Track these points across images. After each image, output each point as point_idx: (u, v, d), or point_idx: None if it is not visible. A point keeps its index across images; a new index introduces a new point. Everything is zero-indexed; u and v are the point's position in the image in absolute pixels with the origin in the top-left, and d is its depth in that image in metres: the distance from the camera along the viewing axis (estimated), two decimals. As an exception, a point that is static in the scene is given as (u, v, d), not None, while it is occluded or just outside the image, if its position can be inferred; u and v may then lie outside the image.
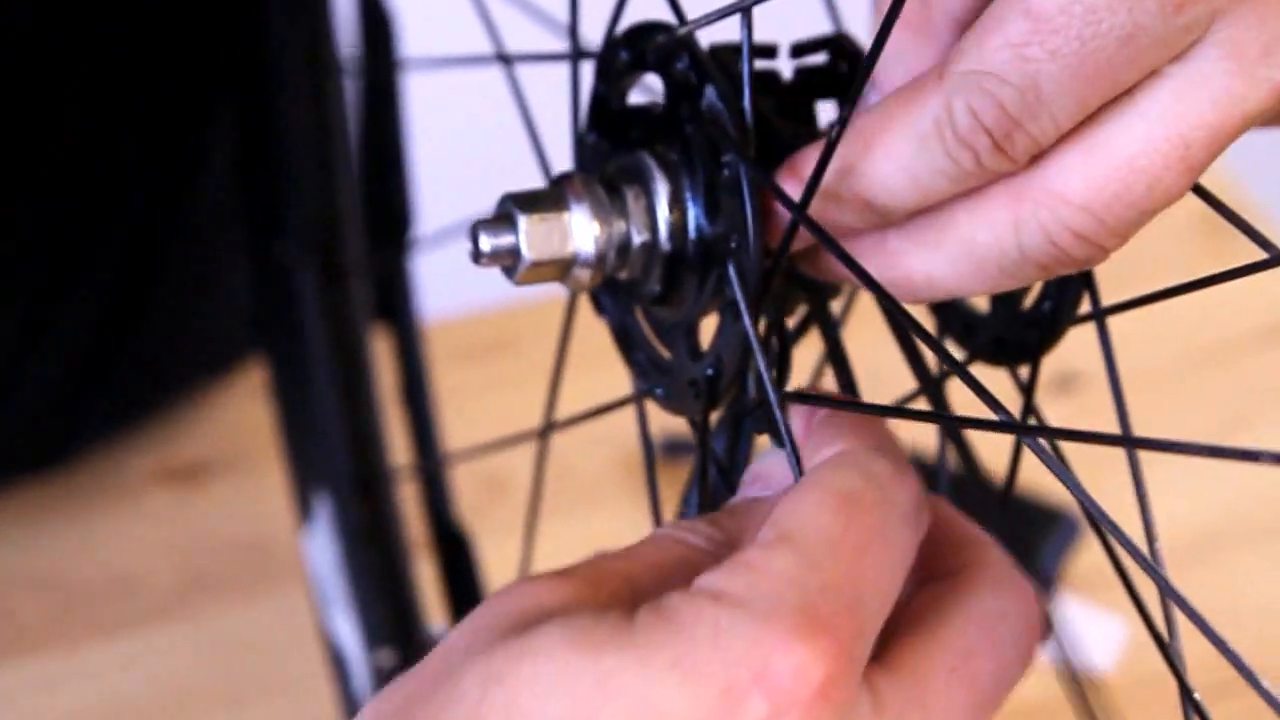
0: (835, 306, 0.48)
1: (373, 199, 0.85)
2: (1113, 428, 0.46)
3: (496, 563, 0.79)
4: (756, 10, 0.42)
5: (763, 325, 0.46)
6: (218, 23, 0.85)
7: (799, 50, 0.46)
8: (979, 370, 0.49)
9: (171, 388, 0.98)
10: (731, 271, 0.42)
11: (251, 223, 0.86)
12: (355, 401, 0.86)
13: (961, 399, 0.54)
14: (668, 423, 0.51)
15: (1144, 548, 0.45)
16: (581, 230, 0.43)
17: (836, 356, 0.47)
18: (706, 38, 0.44)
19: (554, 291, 0.47)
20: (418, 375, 0.88)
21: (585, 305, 0.50)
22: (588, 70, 0.47)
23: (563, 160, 0.48)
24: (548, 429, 0.57)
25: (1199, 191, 0.40)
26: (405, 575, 0.85)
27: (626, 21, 0.46)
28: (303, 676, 0.87)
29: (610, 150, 0.46)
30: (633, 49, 0.45)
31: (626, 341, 0.48)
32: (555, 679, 0.35)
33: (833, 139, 0.40)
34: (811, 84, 0.46)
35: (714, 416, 0.46)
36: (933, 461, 0.53)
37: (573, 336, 0.53)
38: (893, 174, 0.39)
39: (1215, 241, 1.03)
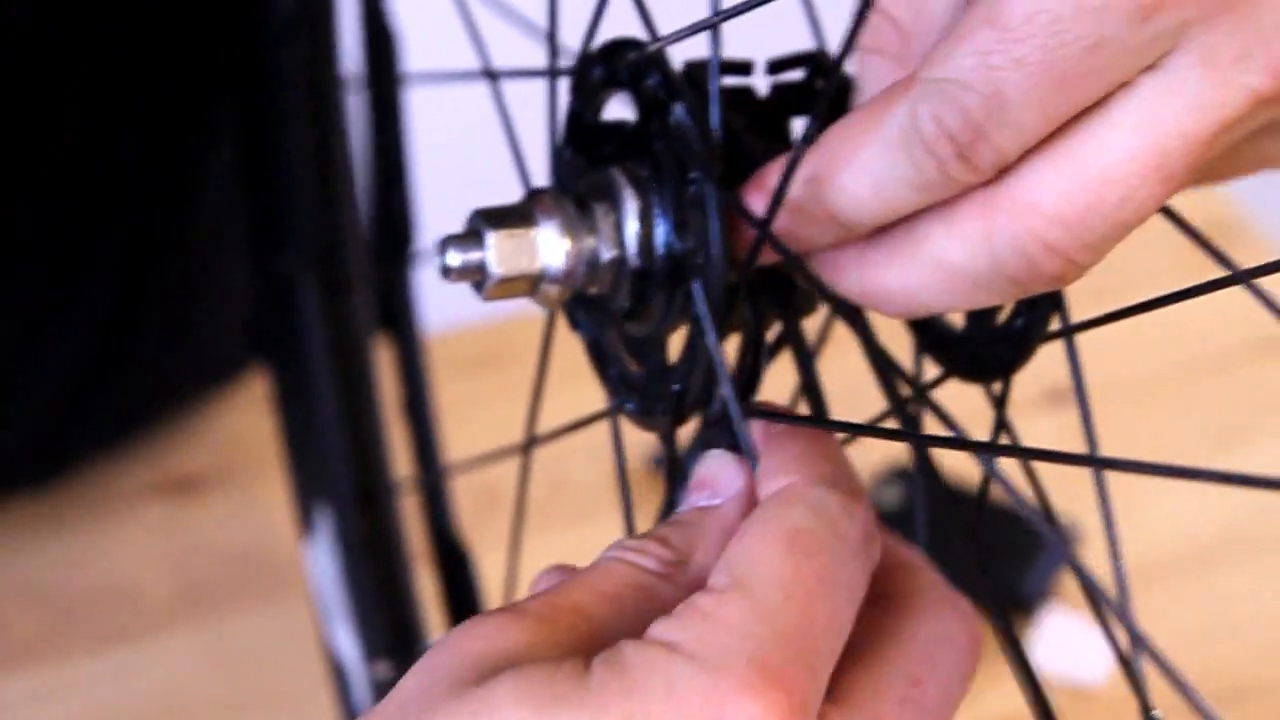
0: (815, 322, 0.48)
1: (375, 212, 0.86)
2: (1106, 442, 0.45)
3: (493, 574, 0.80)
4: (747, 26, 0.42)
5: (737, 341, 0.46)
6: (218, 23, 0.85)
7: (775, 67, 0.47)
8: (957, 386, 0.50)
9: (169, 399, 0.98)
10: (697, 288, 0.42)
11: (254, 234, 0.86)
12: (357, 414, 0.86)
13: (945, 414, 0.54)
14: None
15: (1110, 564, 0.45)
16: (550, 246, 0.43)
17: (806, 374, 0.47)
18: (688, 53, 0.44)
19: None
20: (419, 387, 0.88)
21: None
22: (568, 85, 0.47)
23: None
24: (530, 443, 0.57)
25: (1163, 210, 0.40)
26: (406, 587, 0.85)
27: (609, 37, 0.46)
28: (300, 688, 0.88)
29: (585, 166, 0.46)
30: (606, 65, 0.45)
31: (600, 357, 0.48)
32: None
33: (796, 154, 0.40)
34: (787, 100, 0.46)
35: (693, 430, 0.46)
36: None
37: (564, 349, 0.53)
38: (858, 184, 0.39)
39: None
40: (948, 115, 0.37)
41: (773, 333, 0.47)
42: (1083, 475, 0.44)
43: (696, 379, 0.44)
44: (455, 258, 0.43)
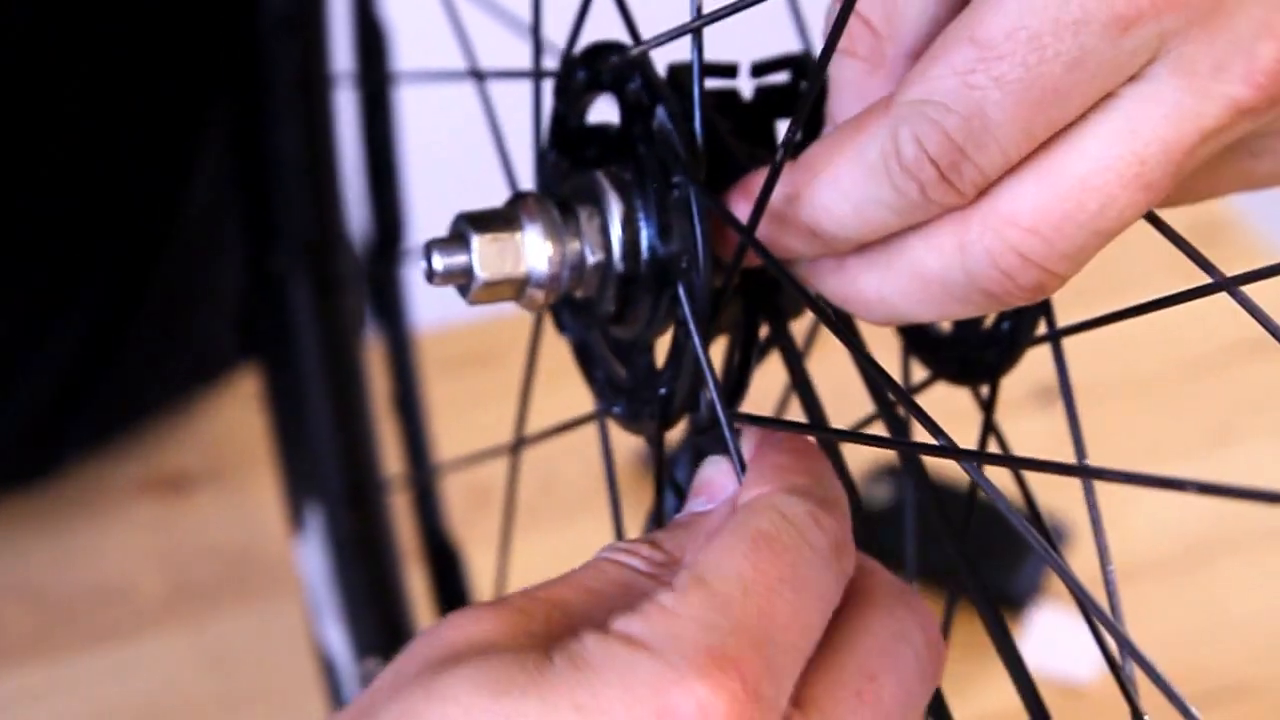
0: (804, 324, 0.48)
1: (366, 210, 0.86)
2: (1099, 441, 0.45)
3: (483, 572, 0.80)
4: (734, 28, 0.42)
5: (724, 344, 0.46)
6: (215, 22, 0.85)
7: (759, 69, 0.46)
8: (945, 390, 0.49)
9: (160, 399, 0.98)
10: (682, 291, 0.42)
11: (245, 233, 0.86)
12: (348, 412, 0.86)
13: (937, 418, 0.54)
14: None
15: (1099, 569, 0.45)
16: (535, 250, 0.43)
17: (798, 376, 0.47)
18: (673, 56, 0.44)
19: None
20: (410, 386, 0.88)
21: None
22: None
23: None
24: (519, 444, 0.57)
25: (1149, 217, 0.40)
26: (396, 585, 0.85)
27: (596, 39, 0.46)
28: (290, 685, 0.88)
29: (569, 169, 0.46)
30: (589, 69, 0.45)
31: (587, 360, 0.48)
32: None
33: (778, 162, 0.39)
34: (771, 103, 0.46)
35: (681, 434, 0.46)
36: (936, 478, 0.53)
37: (554, 349, 0.53)
38: (837, 203, 0.39)
39: (1204, 250, 1.03)
40: (928, 138, 0.37)
41: (759, 335, 0.47)
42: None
43: (683, 383, 0.43)
44: (440, 261, 0.43)
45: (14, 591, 0.92)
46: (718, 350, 0.45)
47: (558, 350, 0.52)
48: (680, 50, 0.44)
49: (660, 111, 0.42)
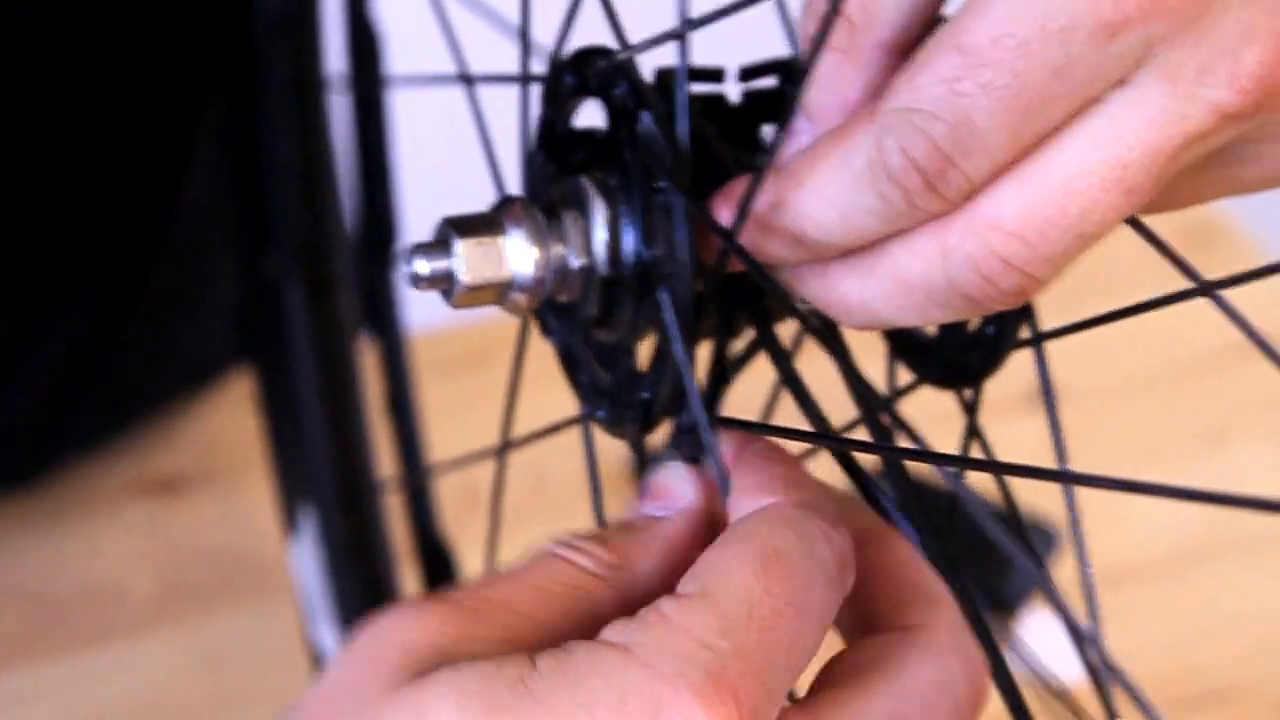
0: (789, 331, 0.48)
1: (359, 212, 0.86)
2: (1092, 444, 0.46)
3: (475, 573, 0.80)
4: (724, 32, 0.42)
5: (709, 349, 0.46)
6: (214, 23, 0.85)
7: (747, 74, 0.46)
8: (934, 392, 0.49)
9: (153, 400, 0.98)
10: (664, 296, 0.42)
11: (240, 235, 0.86)
12: (341, 413, 0.86)
13: (922, 419, 0.54)
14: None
15: (1085, 575, 0.45)
16: (518, 254, 0.43)
17: (789, 380, 0.47)
18: (661, 60, 0.44)
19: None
20: (403, 387, 0.88)
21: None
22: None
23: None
24: (505, 447, 0.57)
25: (1131, 221, 0.40)
26: (389, 587, 0.85)
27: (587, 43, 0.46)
28: (284, 687, 0.88)
29: (556, 173, 0.46)
30: (576, 73, 0.45)
31: (572, 363, 0.48)
32: None
33: (761, 167, 0.40)
34: (758, 108, 0.46)
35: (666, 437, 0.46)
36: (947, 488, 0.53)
37: (545, 351, 0.53)
38: (822, 211, 0.39)
39: (1191, 255, 1.03)
40: (915, 146, 0.37)
41: (746, 339, 0.47)
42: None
43: (665, 387, 0.43)
44: (423, 266, 0.43)
45: (6, 593, 0.92)
46: (703, 355, 0.45)
47: (547, 353, 0.52)
48: (668, 55, 0.44)
49: (645, 116, 0.42)
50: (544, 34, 0.49)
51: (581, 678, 0.36)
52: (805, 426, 0.45)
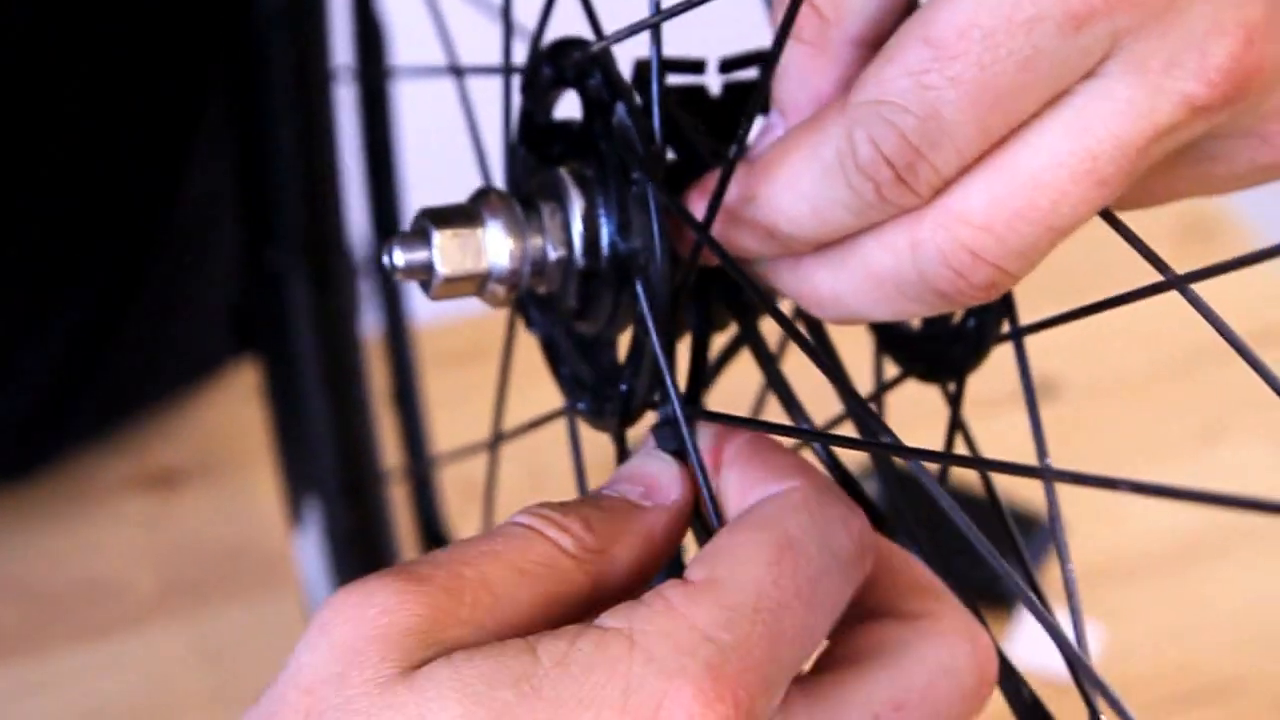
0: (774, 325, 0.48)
1: (364, 204, 0.86)
2: (1090, 437, 0.45)
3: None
4: (710, 23, 0.42)
5: (688, 342, 0.46)
6: (214, 18, 0.85)
7: (727, 66, 0.46)
8: (921, 385, 0.49)
9: (152, 394, 0.98)
10: (640, 288, 0.42)
11: (244, 227, 0.86)
12: (346, 407, 0.86)
13: (913, 413, 0.53)
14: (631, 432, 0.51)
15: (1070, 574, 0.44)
16: (496, 245, 0.43)
17: (773, 377, 0.47)
18: (640, 51, 0.44)
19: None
20: (408, 380, 0.88)
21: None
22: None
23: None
24: (496, 440, 0.57)
25: (1105, 215, 0.39)
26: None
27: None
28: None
29: (536, 165, 0.46)
30: (554, 64, 0.45)
31: (554, 355, 0.48)
32: None
33: (730, 159, 0.39)
34: (739, 100, 0.46)
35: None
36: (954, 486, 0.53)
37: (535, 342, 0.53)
38: (794, 204, 0.39)
39: (1189, 247, 1.03)
40: (884, 139, 0.37)
41: (731, 334, 0.47)
42: (1061, 466, 0.44)
43: (643, 379, 0.43)
44: (401, 257, 0.43)
45: (6, 587, 0.92)
46: (683, 347, 0.45)
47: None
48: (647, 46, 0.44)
49: (619, 108, 0.42)
50: (531, 23, 0.49)
51: (585, 672, 0.36)
52: (789, 422, 0.45)
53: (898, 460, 0.48)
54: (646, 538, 0.41)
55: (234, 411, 0.97)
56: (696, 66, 0.46)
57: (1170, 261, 0.39)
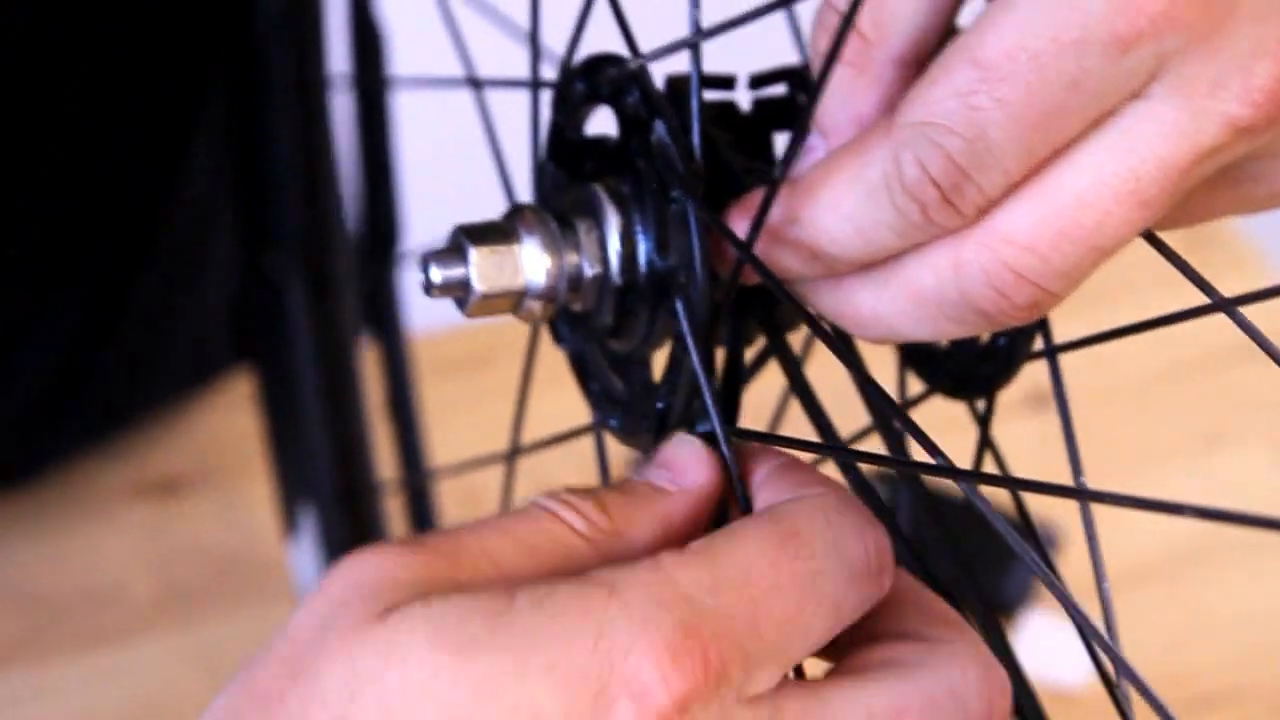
0: (798, 339, 0.48)
1: (361, 212, 0.86)
2: (1089, 446, 0.45)
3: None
4: (734, 38, 0.42)
5: (720, 359, 0.46)
6: (214, 22, 0.85)
7: (757, 81, 0.46)
8: (941, 404, 0.49)
9: (151, 400, 0.98)
10: (680, 306, 0.42)
11: (241, 234, 0.86)
12: (342, 414, 0.86)
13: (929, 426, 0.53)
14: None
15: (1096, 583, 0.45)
16: (532, 263, 0.43)
17: (803, 393, 0.46)
18: (671, 67, 0.44)
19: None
20: (404, 388, 0.88)
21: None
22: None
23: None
24: (514, 453, 0.57)
25: (1147, 235, 0.40)
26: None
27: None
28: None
29: (567, 181, 0.46)
30: (588, 81, 0.45)
31: (583, 371, 0.48)
32: (428, 684, 0.35)
33: (775, 179, 0.39)
34: (769, 116, 0.46)
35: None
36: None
37: (551, 354, 0.53)
38: (838, 225, 0.39)
39: (1191, 255, 1.03)
40: (931, 160, 0.37)
41: (757, 348, 0.47)
42: (1062, 474, 0.44)
43: (680, 397, 0.43)
44: (437, 274, 0.43)
45: (5, 594, 0.91)
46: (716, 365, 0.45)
47: (554, 355, 0.52)
48: (679, 61, 0.44)
49: (659, 126, 0.42)
50: (551, 38, 0.49)
51: (560, 612, 0.36)
52: (810, 434, 0.45)
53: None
54: (664, 520, 0.41)
55: (234, 419, 0.97)
56: (727, 82, 0.46)
57: (1168, 277, 0.39)
